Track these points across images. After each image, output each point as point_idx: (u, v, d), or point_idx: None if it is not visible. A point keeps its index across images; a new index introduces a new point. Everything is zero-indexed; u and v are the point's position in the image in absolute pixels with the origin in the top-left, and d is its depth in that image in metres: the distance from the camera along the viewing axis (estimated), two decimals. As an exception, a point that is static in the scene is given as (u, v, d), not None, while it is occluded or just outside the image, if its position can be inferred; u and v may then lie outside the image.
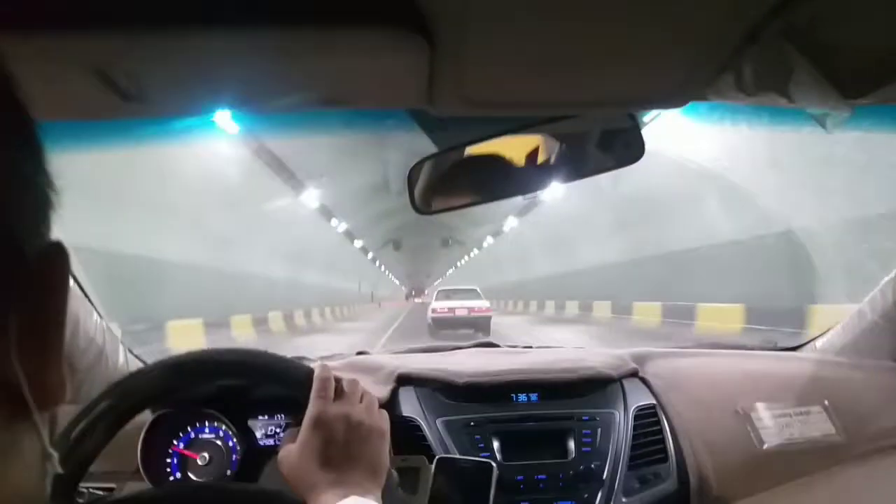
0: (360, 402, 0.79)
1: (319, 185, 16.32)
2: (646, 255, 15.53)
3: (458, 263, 57.18)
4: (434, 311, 14.76)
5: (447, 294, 15.85)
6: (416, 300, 57.50)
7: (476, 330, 13.98)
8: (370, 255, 40.96)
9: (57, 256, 0.30)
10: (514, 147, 0.94)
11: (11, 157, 0.28)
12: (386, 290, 65.45)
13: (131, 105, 0.63)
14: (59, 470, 0.31)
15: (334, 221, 22.19)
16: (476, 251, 42.82)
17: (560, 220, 19.81)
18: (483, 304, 14.84)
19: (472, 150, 0.94)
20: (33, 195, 0.29)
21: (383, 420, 0.80)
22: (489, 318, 14.48)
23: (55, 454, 0.31)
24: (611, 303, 18.09)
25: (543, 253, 25.67)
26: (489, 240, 33.17)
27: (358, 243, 30.99)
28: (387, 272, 62.42)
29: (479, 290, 16.18)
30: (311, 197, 17.14)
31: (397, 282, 76.78)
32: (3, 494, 0.27)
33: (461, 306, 14.56)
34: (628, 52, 0.61)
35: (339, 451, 0.73)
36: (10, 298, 0.27)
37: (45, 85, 0.56)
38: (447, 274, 65.13)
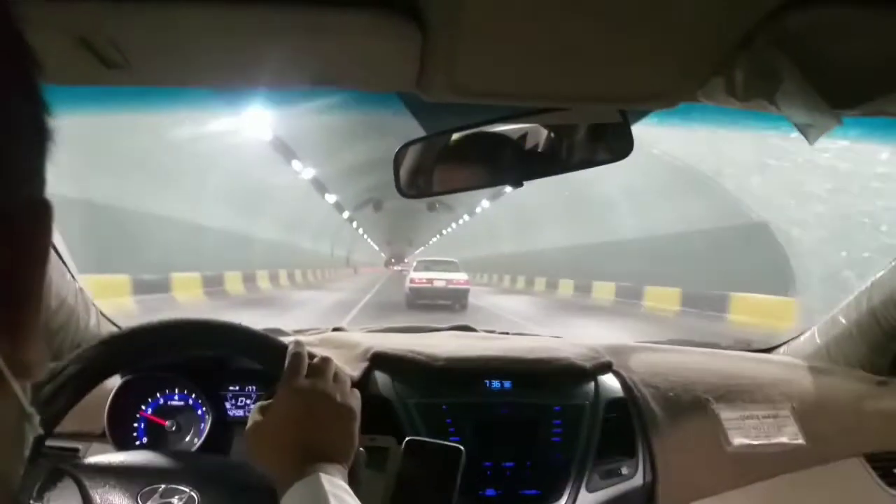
0: (333, 379, 0.79)
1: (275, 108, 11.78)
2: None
3: (444, 231, 51.58)
4: (412, 280, 14.98)
5: (426, 265, 16.02)
6: (395, 268, 56.20)
7: (453, 302, 14.23)
8: (346, 214, 35.99)
9: (41, 216, 0.28)
10: (501, 136, 0.93)
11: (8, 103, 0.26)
12: (363, 256, 62.73)
13: (114, 73, 0.62)
14: (40, 431, 0.31)
15: (297, 165, 17.63)
16: (467, 217, 36.88)
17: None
18: (461, 276, 15.00)
19: (460, 136, 0.93)
20: (22, 143, 0.27)
21: (354, 399, 0.80)
22: (467, 290, 14.67)
23: (35, 414, 0.30)
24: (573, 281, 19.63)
25: (514, 231, 26.22)
26: (484, 204, 28.54)
27: (331, 198, 26.60)
28: (365, 236, 58.68)
29: (458, 262, 16.43)
30: (262, 124, 12.18)
31: (376, 248, 73.91)
32: None
33: (440, 278, 14.75)
34: (622, 50, 0.61)
35: (308, 428, 0.73)
36: None
37: None
38: (430, 242, 61.80)
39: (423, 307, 13.96)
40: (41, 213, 0.28)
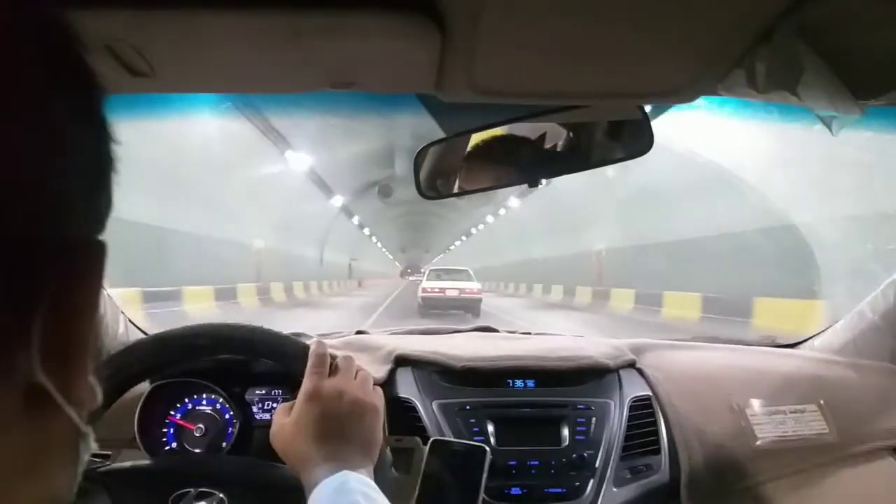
0: (355, 378, 0.80)
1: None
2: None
3: (473, 231, 42.04)
4: (424, 290, 14.91)
5: (438, 274, 16.00)
6: (411, 278, 49.47)
7: (466, 311, 14.07)
8: (355, 219, 31.55)
9: (96, 255, 0.27)
10: (520, 135, 0.93)
11: (68, 134, 0.25)
12: (372, 265, 54.20)
13: (139, 81, 0.63)
14: (96, 448, 0.31)
15: (290, 154, 15.07)
16: (490, 219, 31.89)
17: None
18: (474, 285, 14.91)
19: (480, 136, 0.94)
20: (79, 175, 0.26)
21: (378, 397, 0.81)
22: (479, 300, 14.52)
23: (90, 434, 0.30)
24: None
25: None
26: (513, 201, 24.54)
27: (336, 201, 22.66)
28: (376, 240, 49.88)
29: (470, 271, 16.29)
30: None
31: (390, 256, 66.90)
32: (39, 493, 0.26)
33: (452, 287, 14.68)
34: (641, 46, 0.61)
35: (333, 427, 0.74)
36: (37, 293, 0.24)
37: None
38: (453, 247, 55.02)
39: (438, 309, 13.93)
40: (96, 253, 0.27)
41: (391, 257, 68.50)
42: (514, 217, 26.99)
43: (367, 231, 42.02)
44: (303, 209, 21.94)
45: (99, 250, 0.28)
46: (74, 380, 0.27)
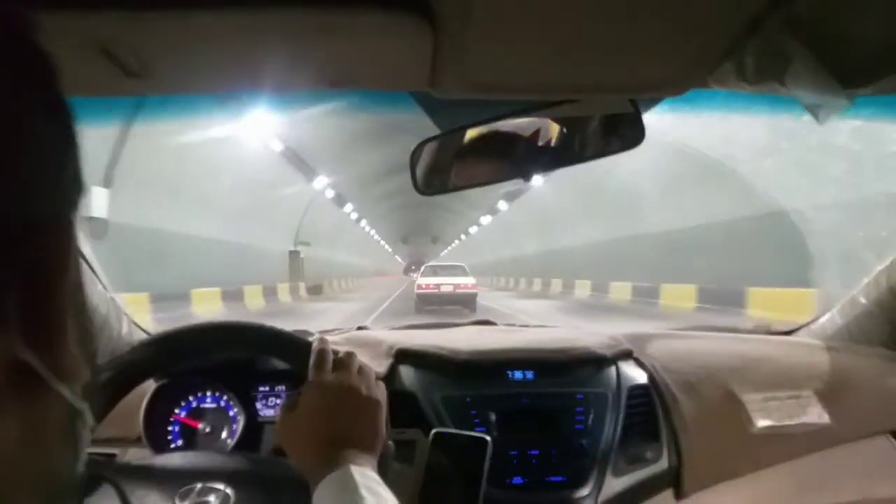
0: (358, 372, 0.81)
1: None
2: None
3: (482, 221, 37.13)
4: (419, 286, 15.14)
5: (434, 270, 16.25)
6: (415, 276, 48.17)
7: (462, 307, 14.24)
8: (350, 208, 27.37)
9: (65, 229, 0.29)
10: (514, 130, 0.94)
11: (31, 123, 0.26)
12: (374, 261, 49.34)
13: (134, 82, 0.64)
14: (93, 423, 0.32)
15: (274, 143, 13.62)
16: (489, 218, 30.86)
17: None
18: (469, 281, 15.12)
19: (474, 132, 0.95)
20: (43, 155, 0.27)
21: (380, 391, 0.82)
22: (475, 295, 14.78)
23: (86, 410, 0.31)
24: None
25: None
26: (484, 220, 24.79)
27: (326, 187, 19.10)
28: (373, 233, 43.99)
29: (466, 266, 16.49)
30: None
31: (390, 249, 61.08)
32: (38, 472, 0.28)
33: (447, 283, 14.90)
34: (631, 39, 0.61)
35: (336, 421, 0.75)
36: (9, 271, 0.25)
37: None
38: (468, 232, 46.35)
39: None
40: (65, 230, 0.29)
41: (389, 249, 61.05)
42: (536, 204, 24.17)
43: (363, 223, 35.65)
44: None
45: (68, 227, 0.29)
46: (57, 354, 0.28)
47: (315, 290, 23.49)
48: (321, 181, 19.70)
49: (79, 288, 1.10)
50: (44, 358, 0.27)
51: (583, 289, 20.73)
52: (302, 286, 22.65)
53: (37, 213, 0.27)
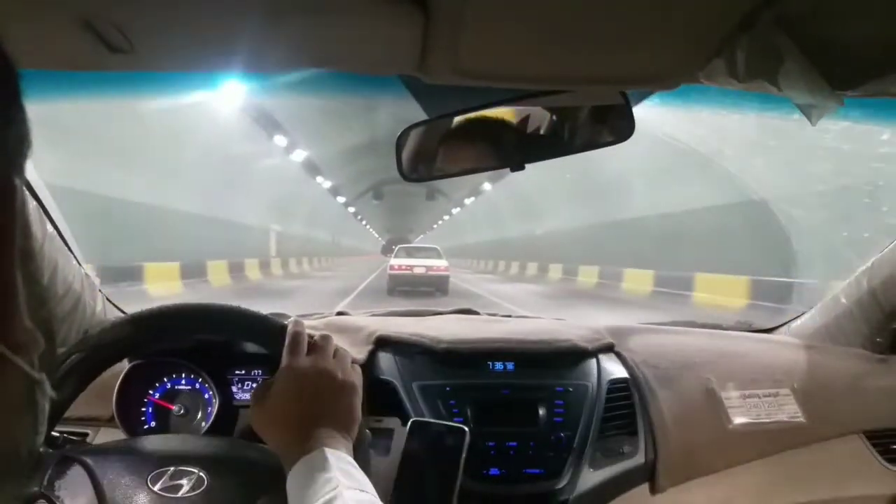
0: (333, 356, 0.80)
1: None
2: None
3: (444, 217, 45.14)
4: (392, 267, 15.10)
5: (408, 251, 16.33)
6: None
7: (435, 289, 14.25)
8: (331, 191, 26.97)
9: (7, 195, 0.27)
10: (503, 119, 0.93)
11: None
12: (354, 241, 50.77)
13: (118, 57, 0.62)
14: (53, 394, 0.31)
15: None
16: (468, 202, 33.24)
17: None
18: (441, 263, 15.10)
19: (462, 119, 0.93)
20: None
21: (356, 375, 0.81)
22: (447, 277, 14.75)
23: (44, 380, 0.30)
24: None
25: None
26: (486, 186, 25.60)
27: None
28: (356, 215, 45.81)
29: (439, 249, 16.54)
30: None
31: (375, 234, 63.62)
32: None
33: (420, 265, 14.83)
34: (624, 31, 0.61)
35: (311, 404, 0.75)
36: None
37: (32, 34, 0.55)
38: (440, 221, 51.32)
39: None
40: (8, 191, 0.27)
41: (376, 234, 63.30)
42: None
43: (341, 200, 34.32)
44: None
45: (11, 192, 0.27)
46: (8, 326, 0.27)
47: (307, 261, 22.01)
48: (299, 154, 18.81)
49: (29, 256, 1.07)
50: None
51: (555, 272, 22.02)
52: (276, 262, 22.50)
53: None
